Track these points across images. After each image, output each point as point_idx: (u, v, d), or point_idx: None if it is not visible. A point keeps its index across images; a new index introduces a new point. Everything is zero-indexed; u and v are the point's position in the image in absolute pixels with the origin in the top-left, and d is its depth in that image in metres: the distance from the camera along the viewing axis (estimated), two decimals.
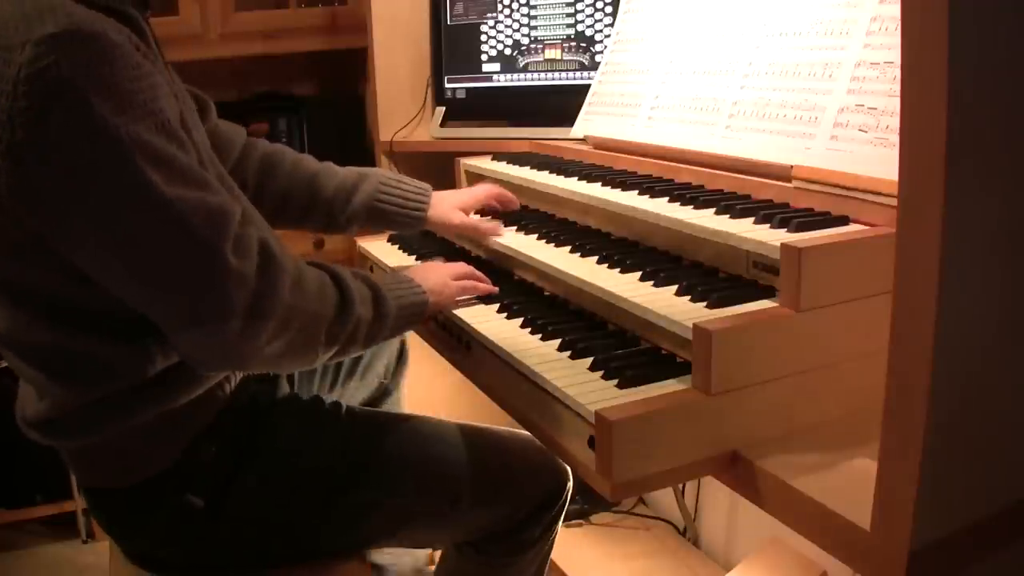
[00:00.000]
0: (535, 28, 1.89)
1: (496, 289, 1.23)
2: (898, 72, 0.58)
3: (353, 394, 1.44)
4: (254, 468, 1.08)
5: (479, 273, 1.25)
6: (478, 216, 1.42)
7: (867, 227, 0.95)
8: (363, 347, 1.08)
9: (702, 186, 1.22)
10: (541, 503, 1.22)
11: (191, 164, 0.92)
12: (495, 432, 1.24)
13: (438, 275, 1.19)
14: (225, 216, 0.92)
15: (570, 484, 1.26)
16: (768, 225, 0.99)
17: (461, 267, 1.24)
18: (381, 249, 1.58)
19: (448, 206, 1.36)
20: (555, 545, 1.33)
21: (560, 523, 1.29)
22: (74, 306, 0.96)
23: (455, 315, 1.19)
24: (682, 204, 1.13)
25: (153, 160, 0.87)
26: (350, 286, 1.04)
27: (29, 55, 0.83)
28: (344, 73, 2.53)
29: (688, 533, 2.04)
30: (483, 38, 1.97)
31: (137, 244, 0.89)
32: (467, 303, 1.22)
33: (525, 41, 1.91)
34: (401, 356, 1.52)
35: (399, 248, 1.57)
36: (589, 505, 2.03)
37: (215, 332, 0.92)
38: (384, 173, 1.38)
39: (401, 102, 2.12)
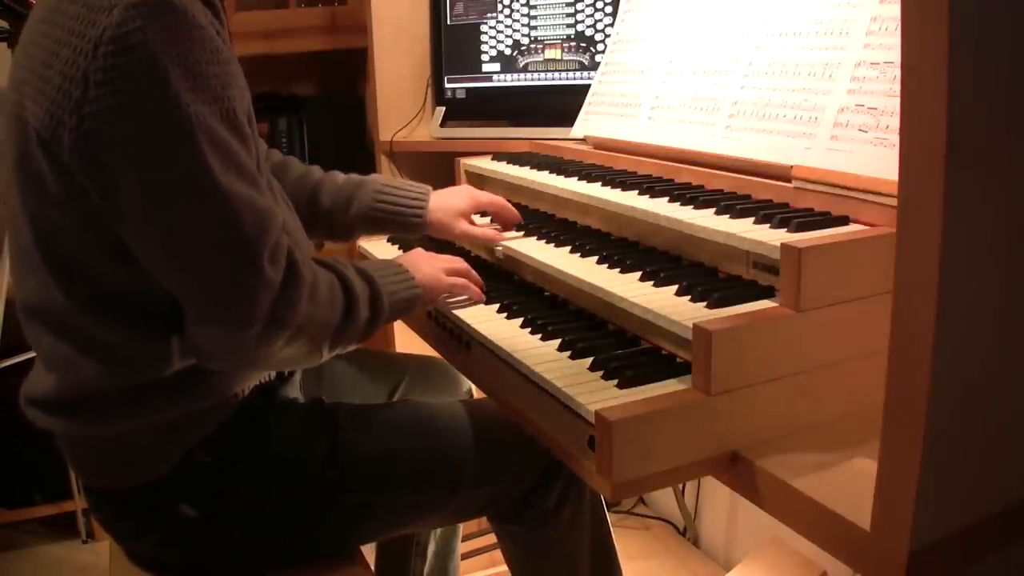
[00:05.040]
0: (535, 28, 1.89)
1: (484, 298, 1.23)
2: (898, 72, 0.58)
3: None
4: (249, 476, 1.08)
5: (474, 273, 1.25)
6: (480, 220, 1.41)
7: (867, 227, 0.95)
8: (359, 342, 1.09)
9: (702, 186, 1.22)
10: (545, 470, 1.20)
11: (247, 160, 0.93)
12: (488, 405, 1.23)
13: (432, 268, 1.19)
14: (270, 220, 0.93)
15: None
16: (768, 225, 0.99)
17: (457, 263, 1.24)
18: (381, 250, 1.58)
19: (453, 213, 1.35)
20: None
21: (588, 498, 1.26)
22: (107, 290, 0.97)
23: (455, 315, 1.19)
24: (682, 204, 1.13)
25: (214, 146, 0.88)
26: (356, 290, 1.05)
27: (117, 18, 0.85)
28: (344, 73, 2.53)
29: (688, 533, 2.04)
30: (483, 38, 1.97)
31: (183, 226, 0.90)
32: (458, 304, 1.22)
33: (525, 41, 1.91)
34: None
35: (399, 249, 1.57)
36: None
37: (234, 334, 0.93)
38: (382, 179, 1.39)
39: (401, 102, 2.12)
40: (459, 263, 1.24)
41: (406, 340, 2.04)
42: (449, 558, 1.50)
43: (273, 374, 1.16)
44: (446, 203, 1.37)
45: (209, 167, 0.88)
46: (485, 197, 1.39)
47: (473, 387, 1.52)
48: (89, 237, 0.94)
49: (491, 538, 1.66)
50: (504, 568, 1.34)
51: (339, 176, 1.38)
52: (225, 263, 0.91)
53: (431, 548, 1.47)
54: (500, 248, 1.31)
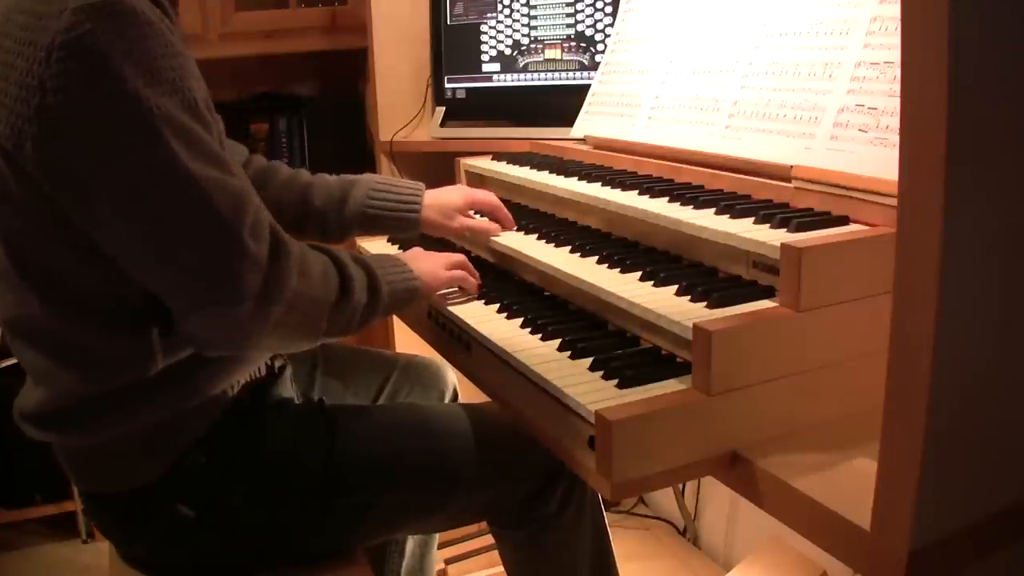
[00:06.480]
0: (535, 28, 1.89)
1: (478, 291, 1.24)
2: (898, 72, 0.58)
3: None
4: (244, 477, 1.08)
5: (470, 266, 1.26)
6: (476, 215, 1.42)
7: (867, 227, 0.95)
8: (357, 330, 1.09)
9: (702, 186, 1.22)
10: (547, 473, 1.20)
11: (215, 145, 0.93)
12: (489, 408, 1.23)
13: (431, 263, 1.21)
14: (245, 199, 0.93)
15: None
16: (768, 225, 0.99)
17: (456, 257, 1.25)
18: (380, 250, 1.58)
19: (448, 210, 1.36)
20: None
21: (589, 502, 1.26)
22: (82, 293, 0.96)
23: (455, 315, 1.19)
24: (682, 204, 1.13)
25: (180, 136, 0.88)
26: (351, 271, 1.05)
27: (66, 23, 0.84)
28: (344, 73, 2.53)
29: (688, 533, 2.04)
30: (483, 38, 1.97)
31: (159, 218, 0.90)
32: (454, 299, 1.23)
33: (525, 41, 1.91)
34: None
35: (399, 248, 1.57)
36: None
37: (226, 314, 0.93)
38: (375, 179, 1.38)
39: (401, 102, 2.12)
40: (457, 257, 1.25)
41: (405, 340, 2.05)
42: (426, 555, 1.50)
43: (263, 371, 1.16)
44: (440, 200, 1.37)
45: (176, 156, 0.88)
46: (479, 194, 1.39)
47: (458, 384, 1.53)
48: (59, 244, 0.93)
49: (491, 538, 1.66)
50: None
51: (329, 177, 1.38)
52: (206, 246, 0.91)
53: (409, 545, 1.47)
54: (493, 244, 1.32)
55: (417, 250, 1.26)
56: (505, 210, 1.37)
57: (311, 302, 1.00)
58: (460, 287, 1.25)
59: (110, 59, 0.85)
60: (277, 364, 1.21)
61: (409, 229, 1.38)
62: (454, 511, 1.20)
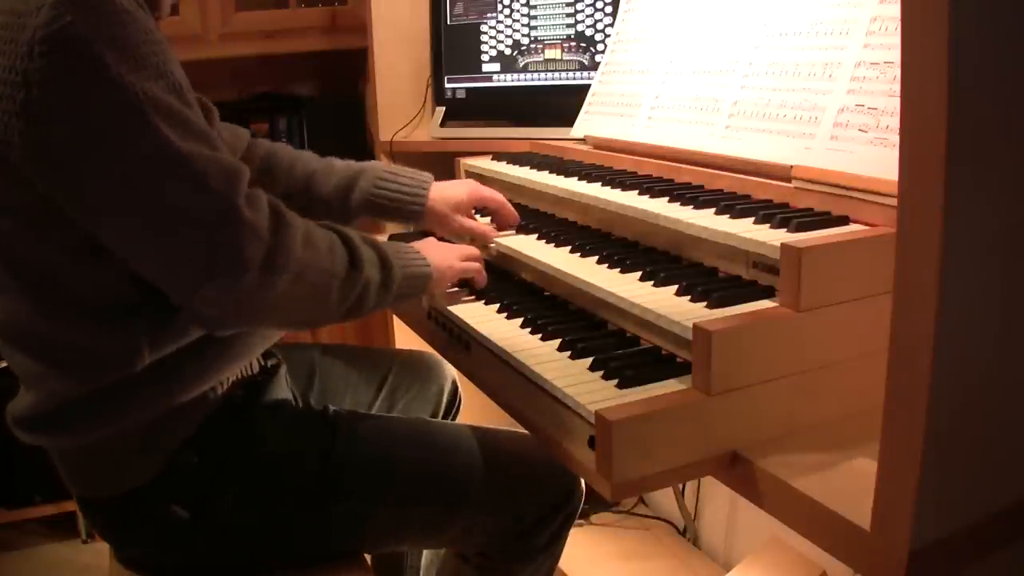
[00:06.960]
0: (535, 28, 1.89)
1: (485, 281, 1.25)
2: (898, 72, 0.58)
3: None
4: (238, 477, 1.07)
5: (482, 263, 1.26)
6: (478, 217, 1.41)
7: (867, 227, 0.95)
8: (371, 310, 1.07)
9: (702, 186, 1.22)
10: (549, 508, 1.20)
11: (203, 124, 0.93)
12: (501, 435, 1.23)
13: (445, 252, 1.20)
14: (238, 173, 0.93)
15: (581, 488, 1.24)
16: (768, 225, 0.99)
17: (470, 250, 1.25)
18: None
19: (452, 206, 1.35)
20: None
21: (569, 528, 1.26)
22: (75, 293, 0.96)
23: (455, 315, 1.19)
24: (682, 204, 1.13)
25: (168, 117, 0.88)
26: (359, 247, 1.04)
27: (45, 17, 0.84)
28: (344, 73, 2.53)
29: (688, 533, 2.04)
30: (483, 38, 1.97)
31: (155, 199, 0.89)
32: (455, 299, 1.23)
33: (525, 41, 1.91)
34: (453, 402, 1.53)
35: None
36: (589, 505, 2.03)
37: (230, 286, 0.91)
38: (381, 167, 1.38)
39: (401, 102, 2.12)
40: (472, 250, 1.25)
41: (405, 340, 2.04)
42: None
43: (255, 368, 1.15)
44: (446, 195, 1.36)
45: (168, 139, 0.87)
46: (486, 192, 1.38)
47: (457, 378, 1.53)
48: (49, 244, 0.93)
49: None
50: None
51: (336, 162, 1.38)
52: (204, 220, 0.90)
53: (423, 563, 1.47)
54: (493, 244, 1.32)
55: (430, 240, 1.25)
56: (510, 206, 1.37)
57: (318, 272, 0.98)
58: (469, 281, 1.24)
59: (92, 47, 0.85)
60: (270, 363, 1.20)
61: (412, 220, 1.37)
62: (455, 531, 1.19)
